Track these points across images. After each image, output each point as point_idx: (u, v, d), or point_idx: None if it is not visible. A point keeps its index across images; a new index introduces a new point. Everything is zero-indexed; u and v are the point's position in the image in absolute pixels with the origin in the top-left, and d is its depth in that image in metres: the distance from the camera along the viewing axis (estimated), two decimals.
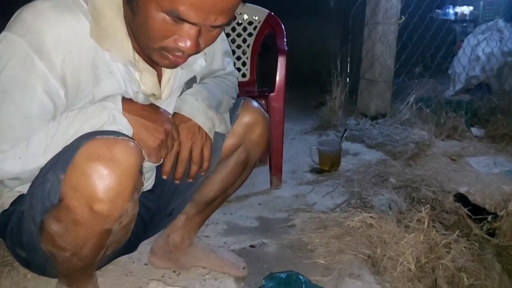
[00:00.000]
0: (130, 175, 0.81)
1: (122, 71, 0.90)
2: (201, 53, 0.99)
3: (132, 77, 0.92)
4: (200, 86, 1.08)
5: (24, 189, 0.93)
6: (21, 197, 0.95)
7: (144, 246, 1.35)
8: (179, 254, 1.34)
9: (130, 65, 0.90)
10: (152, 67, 0.93)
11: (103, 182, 0.78)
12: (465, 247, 1.41)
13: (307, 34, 4.43)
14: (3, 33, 0.81)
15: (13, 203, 0.96)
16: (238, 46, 2.20)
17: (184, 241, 1.33)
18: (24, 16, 0.81)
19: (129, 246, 1.10)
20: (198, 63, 1.03)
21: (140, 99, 0.95)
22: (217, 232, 1.64)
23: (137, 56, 0.91)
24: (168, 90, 1.00)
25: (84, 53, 0.85)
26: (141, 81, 0.93)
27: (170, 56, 0.85)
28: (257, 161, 1.27)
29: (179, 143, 1.00)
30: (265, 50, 2.24)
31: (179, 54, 0.84)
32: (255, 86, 2.21)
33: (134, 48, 0.89)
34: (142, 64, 0.92)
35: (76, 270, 0.96)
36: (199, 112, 1.03)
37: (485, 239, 1.54)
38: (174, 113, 1.03)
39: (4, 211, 0.98)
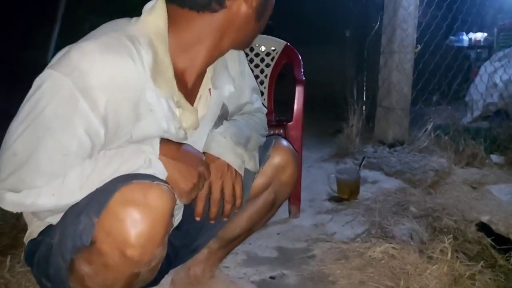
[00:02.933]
0: (163, 220, 0.82)
1: (165, 109, 0.92)
2: (230, 79, 1.03)
3: (174, 114, 0.94)
4: (229, 123, 1.10)
5: (53, 219, 0.93)
6: (49, 228, 0.96)
7: (165, 277, 1.34)
8: (200, 286, 1.34)
9: (172, 101, 0.93)
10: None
11: (137, 228, 0.79)
12: (490, 278, 1.39)
13: (321, 61, 4.48)
14: (49, 70, 0.83)
15: (42, 233, 0.98)
16: (256, 77, 2.23)
17: (205, 274, 1.33)
18: (71, 56, 0.83)
19: (152, 281, 1.10)
20: (226, 88, 1.05)
21: (181, 135, 0.97)
22: (237, 262, 1.63)
23: (179, 94, 0.94)
24: (202, 112, 1.03)
25: (127, 93, 0.87)
26: (181, 118, 0.96)
27: None
28: (284, 201, 1.27)
29: (209, 183, 1.01)
30: (279, 77, 2.28)
31: None
32: (273, 115, 2.22)
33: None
34: (183, 101, 0.95)
35: None
36: (227, 149, 1.04)
37: (511, 270, 1.50)
38: (203, 152, 1.04)
39: (32, 239, 0.99)
